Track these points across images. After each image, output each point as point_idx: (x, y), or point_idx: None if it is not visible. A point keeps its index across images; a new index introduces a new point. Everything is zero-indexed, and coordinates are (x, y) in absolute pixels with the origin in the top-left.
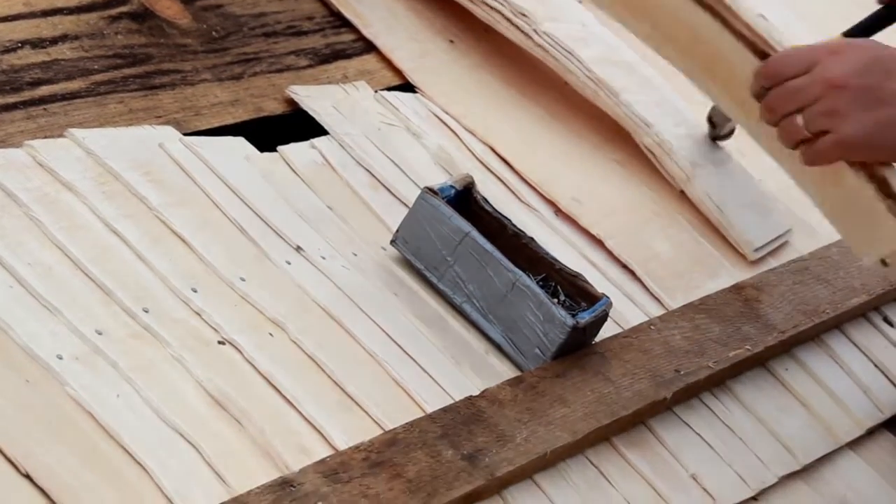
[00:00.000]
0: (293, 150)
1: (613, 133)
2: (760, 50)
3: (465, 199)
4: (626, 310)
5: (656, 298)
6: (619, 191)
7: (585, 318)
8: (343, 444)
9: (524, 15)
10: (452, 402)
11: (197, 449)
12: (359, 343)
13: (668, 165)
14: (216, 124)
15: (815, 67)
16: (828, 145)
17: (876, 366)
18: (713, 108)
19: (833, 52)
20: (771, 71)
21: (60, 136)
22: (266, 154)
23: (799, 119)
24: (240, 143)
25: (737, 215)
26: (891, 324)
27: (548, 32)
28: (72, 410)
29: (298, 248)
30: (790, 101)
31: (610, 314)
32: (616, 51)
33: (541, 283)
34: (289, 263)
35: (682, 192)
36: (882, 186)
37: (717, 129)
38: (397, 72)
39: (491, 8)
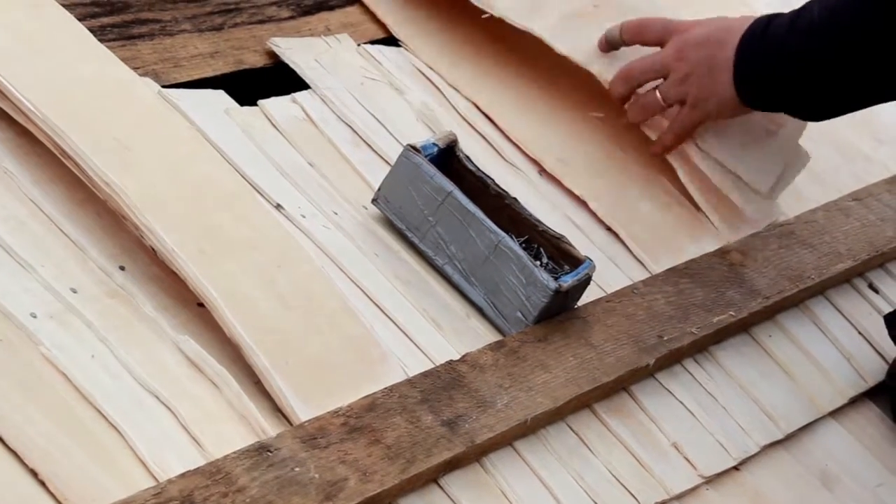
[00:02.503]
0: (274, 105)
1: (599, 90)
2: None
3: (448, 158)
4: (610, 273)
5: (640, 262)
6: (604, 151)
7: (568, 281)
8: (321, 408)
9: None
10: (433, 366)
11: (173, 412)
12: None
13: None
14: (196, 76)
15: (666, 44)
16: (683, 120)
17: (860, 333)
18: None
19: (678, 29)
20: (635, 28)
21: None
22: (246, 108)
23: (657, 95)
24: (219, 97)
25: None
26: (876, 290)
27: None
28: (45, 371)
29: (278, 206)
30: (649, 70)
31: (593, 277)
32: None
33: (524, 244)
34: None
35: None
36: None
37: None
38: (381, 25)
39: None
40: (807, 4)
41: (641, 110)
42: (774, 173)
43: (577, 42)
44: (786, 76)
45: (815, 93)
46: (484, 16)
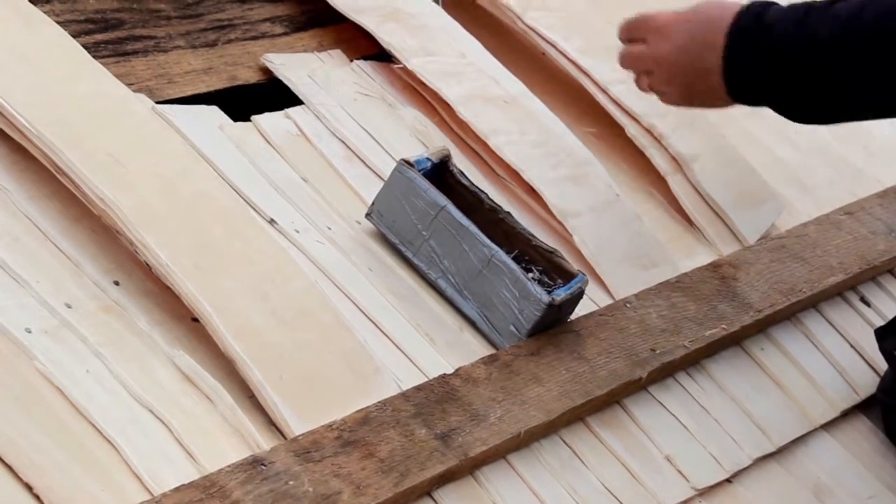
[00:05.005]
0: (267, 120)
1: (590, 106)
2: None
3: (441, 173)
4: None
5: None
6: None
7: (561, 294)
8: (315, 422)
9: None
10: (426, 379)
11: (167, 426)
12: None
13: (655, 157)
14: (189, 92)
15: (650, 39)
16: (664, 100)
17: (852, 346)
18: None
19: (659, 31)
20: (625, 28)
21: None
22: (240, 123)
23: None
24: (213, 112)
25: (729, 208)
26: (867, 303)
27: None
28: (40, 385)
29: (272, 221)
30: (637, 64)
31: (586, 291)
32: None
33: (518, 259)
34: None
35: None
36: None
37: None
38: (373, 41)
39: None
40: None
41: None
42: (764, 227)
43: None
44: (786, 81)
45: (814, 101)
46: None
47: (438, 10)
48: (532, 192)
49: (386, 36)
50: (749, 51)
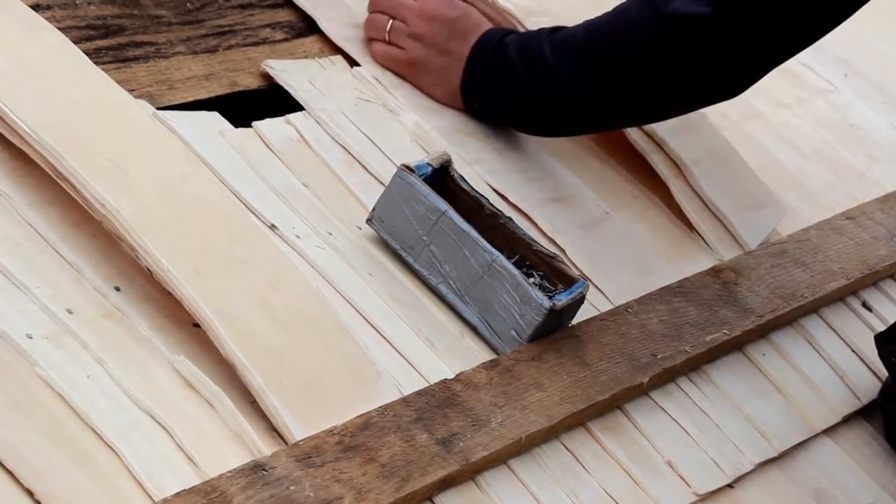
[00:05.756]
0: (268, 126)
1: None
2: None
3: (442, 178)
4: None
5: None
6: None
7: (562, 300)
8: (316, 427)
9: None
10: (427, 384)
11: (168, 432)
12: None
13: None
14: (190, 98)
15: None
16: (395, 57)
17: (853, 351)
18: None
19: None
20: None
21: None
22: (241, 129)
23: (388, 24)
24: (214, 118)
25: (730, 213)
26: (869, 308)
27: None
28: (41, 391)
29: (273, 227)
30: (390, 7)
31: (587, 296)
32: None
33: (519, 264)
34: None
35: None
36: None
37: None
38: None
39: None
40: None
41: (365, 25)
42: (765, 232)
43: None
44: (513, 100)
45: (547, 107)
46: None
47: None
48: (522, 213)
49: (371, 66)
50: (483, 70)
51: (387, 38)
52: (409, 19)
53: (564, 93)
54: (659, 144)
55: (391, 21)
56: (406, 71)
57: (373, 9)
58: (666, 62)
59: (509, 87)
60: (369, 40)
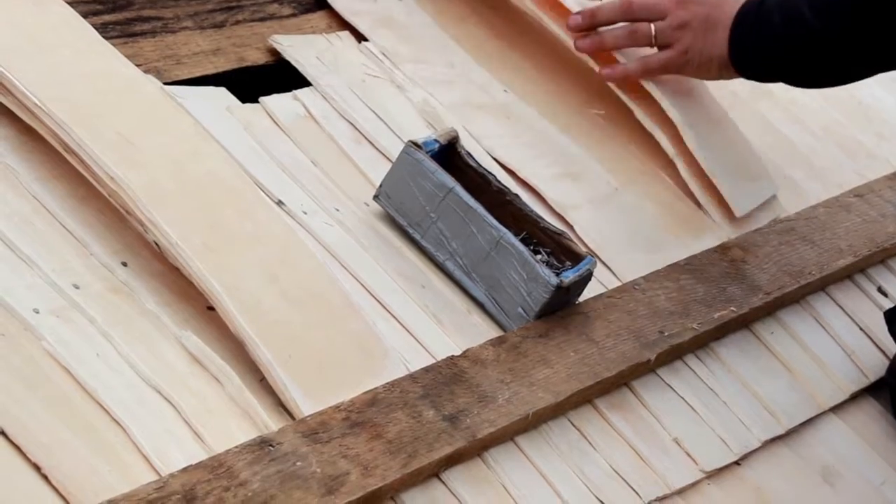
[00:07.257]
0: (275, 102)
1: (600, 87)
2: None
3: (449, 154)
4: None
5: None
6: (605, 148)
7: (570, 277)
8: (323, 403)
9: None
10: (434, 361)
11: (175, 407)
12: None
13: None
14: (197, 74)
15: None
16: (667, 59)
17: (861, 329)
18: None
19: None
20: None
21: None
22: (248, 105)
23: (652, 28)
24: (221, 94)
25: (725, 180)
26: (877, 286)
27: None
28: (48, 366)
29: (280, 203)
30: (647, 9)
31: (594, 273)
32: None
33: (526, 241)
34: None
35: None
36: None
37: None
38: None
39: None
40: None
41: (624, 38)
42: (755, 200)
43: None
44: (783, 48)
45: (813, 65)
46: None
47: (430, 22)
48: (530, 188)
49: (379, 40)
50: (752, 21)
51: (653, 42)
52: (671, 11)
53: (828, 49)
54: (660, 112)
55: (651, 25)
56: (679, 61)
57: (622, 18)
58: None
59: (776, 50)
60: (634, 67)
